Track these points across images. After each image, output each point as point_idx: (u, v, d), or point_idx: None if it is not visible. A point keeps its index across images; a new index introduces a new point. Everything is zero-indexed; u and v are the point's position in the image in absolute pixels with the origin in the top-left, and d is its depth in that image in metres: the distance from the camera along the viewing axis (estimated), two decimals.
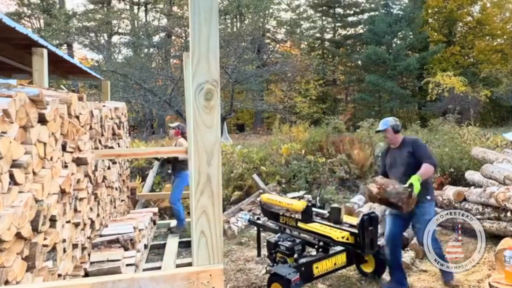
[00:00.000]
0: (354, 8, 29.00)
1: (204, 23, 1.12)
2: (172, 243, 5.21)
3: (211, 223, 1.16)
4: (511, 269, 3.50)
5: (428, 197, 3.79)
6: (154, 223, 5.84)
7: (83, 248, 3.50)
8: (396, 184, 3.62)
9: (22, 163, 2.28)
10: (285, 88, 22.63)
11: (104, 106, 4.66)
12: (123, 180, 5.92)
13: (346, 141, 9.87)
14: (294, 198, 4.31)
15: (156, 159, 6.66)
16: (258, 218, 4.91)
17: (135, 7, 26.89)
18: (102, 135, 4.61)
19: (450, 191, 5.82)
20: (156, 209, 6.24)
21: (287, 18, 26.06)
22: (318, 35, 28.42)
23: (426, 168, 3.67)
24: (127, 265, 3.65)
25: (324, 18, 28.80)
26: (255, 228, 4.95)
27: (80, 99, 3.59)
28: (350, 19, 29.10)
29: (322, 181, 8.18)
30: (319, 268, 3.69)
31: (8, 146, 2.13)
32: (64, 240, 2.91)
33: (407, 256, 4.46)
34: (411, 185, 3.50)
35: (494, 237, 4.91)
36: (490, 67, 22.64)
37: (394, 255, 3.88)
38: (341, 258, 3.87)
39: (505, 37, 26.21)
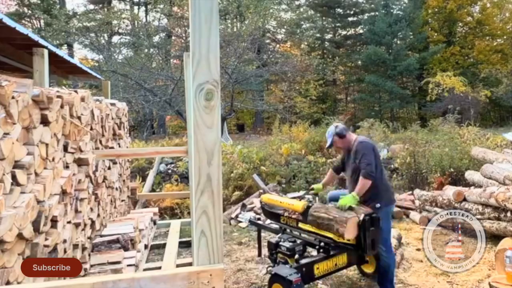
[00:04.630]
0: (354, 8, 29.01)
1: (205, 23, 1.12)
2: (172, 243, 5.21)
3: (211, 223, 1.16)
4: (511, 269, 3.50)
5: (377, 205, 3.56)
6: (154, 223, 5.84)
7: (83, 249, 3.51)
8: (332, 211, 3.49)
9: (24, 164, 2.28)
10: (285, 88, 22.63)
11: (100, 102, 4.65)
12: (124, 180, 5.92)
13: None
14: (294, 198, 4.31)
15: None
16: (259, 219, 4.91)
17: (135, 7, 26.91)
18: (103, 135, 4.61)
19: (450, 191, 5.82)
20: (156, 209, 6.25)
21: (287, 18, 26.05)
22: (318, 35, 28.42)
23: (361, 183, 3.52)
24: (127, 265, 3.66)
25: (324, 18, 28.79)
26: (256, 228, 4.96)
27: (82, 99, 3.59)
28: (350, 19, 29.11)
29: (322, 181, 8.19)
30: (320, 268, 3.68)
31: (10, 147, 2.13)
32: (65, 241, 2.91)
33: None
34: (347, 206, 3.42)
35: (494, 237, 4.91)
36: (490, 67, 22.63)
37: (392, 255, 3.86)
38: (342, 259, 3.86)
39: (505, 37, 26.21)
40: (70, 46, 23.69)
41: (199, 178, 1.15)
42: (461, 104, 17.07)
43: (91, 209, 3.82)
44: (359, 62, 26.84)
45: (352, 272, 4.33)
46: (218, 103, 1.15)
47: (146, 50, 19.58)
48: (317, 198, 4.36)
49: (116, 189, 5.19)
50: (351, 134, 3.90)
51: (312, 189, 4.22)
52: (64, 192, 2.92)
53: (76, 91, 3.54)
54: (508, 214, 4.84)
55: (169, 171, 9.13)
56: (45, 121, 2.63)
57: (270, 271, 3.68)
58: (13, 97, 2.20)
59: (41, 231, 2.42)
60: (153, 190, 8.16)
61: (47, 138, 2.64)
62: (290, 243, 3.90)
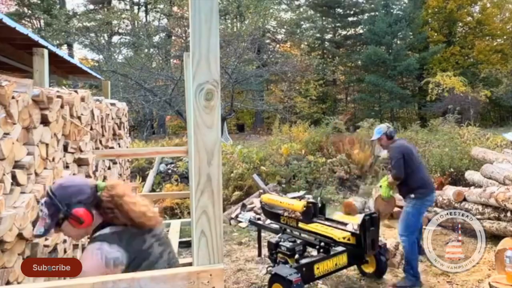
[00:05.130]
0: (354, 8, 29.01)
1: (205, 23, 1.12)
2: (172, 243, 5.21)
3: (211, 223, 1.16)
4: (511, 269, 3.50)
5: (412, 195, 4.05)
6: None
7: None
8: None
9: (24, 164, 2.28)
10: (285, 88, 22.62)
11: (100, 102, 4.64)
12: (124, 180, 5.92)
13: (346, 141, 9.88)
14: (294, 198, 4.32)
15: None
16: (259, 219, 4.91)
17: (135, 7, 26.91)
18: (103, 135, 4.61)
19: (450, 191, 5.82)
20: (156, 209, 6.24)
21: (287, 18, 26.06)
22: (318, 35, 28.43)
23: (391, 181, 4.19)
24: None
25: (324, 18, 28.80)
26: (256, 228, 4.95)
27: (82, 99, 3.59)
28: (350, 19, 29.11)
29: (322, 181, 8.19)
30: (320, 268, 3.69)
31: (10, 147, 2.13)
32: (65, 241, 2.91)
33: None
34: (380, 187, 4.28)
35: (494, 237, 4.91)
36: (490, 67, 22.63)
37: (414, 248, 4.02)
38: (342, 259, 3.87)
39: (505, 37, 26.22)
40: (70, 46, 23.70)
41: (199, 178, 1.14)
42: (461, 104, 17.07)
43: None
44: (359, 62, 26.84)
45: (352, 272, 4.33)
46: (218, 103, 1.15)
47: (146, 50, 19.58)
48: (318, 198, 4.37)
49: None
50: (396, 139, 4.38)
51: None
52: None
53: (76, 91, 3.54)
54: (508, 214, 4.84)
55: (169, 171, 9.12)
56: (45, 121, 2.63)
57: (270, 271, 3.69)
58: (13, 97, 2.20)
59: None
60: (153, 190, 8.16)
61: (47, 138, 2.64)
62: (290, 243, 3.90)
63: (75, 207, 1.61)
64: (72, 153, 3.27)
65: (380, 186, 4.28)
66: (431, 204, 4.46)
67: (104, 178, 4.49)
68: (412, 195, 4.01)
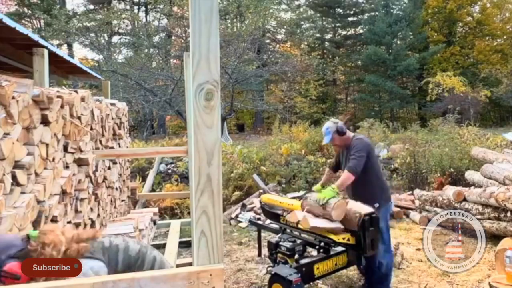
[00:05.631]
0: (354, 8, 29.02)
1: (205, 23, 1.12)
2: (172, 243, 5.21)
3: (211, 223, 1.16)
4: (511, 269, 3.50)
5: (376, 205, 3.56)
6: (154, 223, 5.84)
7: None
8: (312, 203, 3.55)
9: (24, 164, 2.28)
10: (285, 88, 22.63)
11: (100, 102, 4.65)
12: (124, 180, 5.92)
13: None
14: (294, 198, 4.31)
15: None
16: (259, 219, 4.90)
17: (135, 7, 26.91)
18: (103, 135, 4.61)
19: (450, 191, 5.82)
20: (156, 209, 6.25)
21: (287, 18, 26.06)
22: (318, 35, 28.44)
23: (343, 177, 3.56)
24: None
25: (324, 18, 28.80)
26: (256, 228, 4.95)
27: (82, 99, 3.60)
28: (350, 19, 29.12)
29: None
30: (320, 268, 3.69)
31: (11, 147, 2.13)
32: None
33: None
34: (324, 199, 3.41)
35: (494, 237, 4.91)
36: (490, 67, 22.65)
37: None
38: (342, 259, 3.86)
39: (505, 37, 26.23)
40: (70, 46, 23.70)
41: (199, 178, 1.15)
42: (461, 104, 17.07)
43: (91, 209, 3.82)
44: (359, 62, 26.86)
45: (352, 272, 4.33)
46: (218, 103, 1.15)
47: (146, 50, 19.58)
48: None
49: (116, 189, 5.19)
50: (349, 132, 3.87)
51: (313, 191, 4.19)
52: (64, 192, 2.92)
53: (76, 91, 3.54)
54: (508, 214, 4.84)
55: (169, 171, 9.13)
56: (45, 121, 2.63)
57: (270, 271, 3.68)
58: (13, 97, 2.20)
59: None
60: (153, 190, 8.16)
61: (47, 138, 2.65)
62: (290, 243, 3.90)
63: (7, 262, 1.48)
64: (72, 153, 3.27)
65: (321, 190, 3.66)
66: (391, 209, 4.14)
67: (105, 178, 4.49)
68: (377, 204, 3.57)
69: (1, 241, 1.57)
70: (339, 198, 3.45)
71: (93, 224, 3.89)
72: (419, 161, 8.08)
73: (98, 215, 4.09)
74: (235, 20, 20.47)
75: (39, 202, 2.40)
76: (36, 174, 2.48)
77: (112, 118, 5.16)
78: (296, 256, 3.77)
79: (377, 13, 25.99)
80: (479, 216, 5.02)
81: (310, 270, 3.61)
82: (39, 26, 23.28)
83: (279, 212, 4.24)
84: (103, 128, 4.63)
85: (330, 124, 3.82)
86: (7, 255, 1.49)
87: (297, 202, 4.00)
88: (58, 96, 2.93)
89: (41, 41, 4.31)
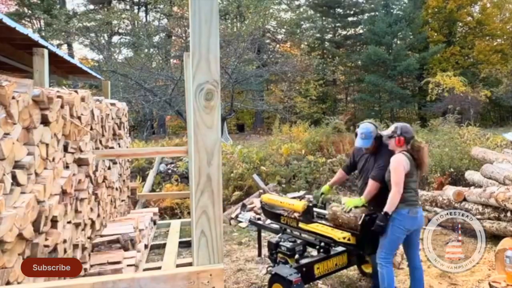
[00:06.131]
0: (354, 8, 29.01)
1: (205, 23, 1.12)
2: (172, 243, 5.21)
3: (211, 223, 1.17)
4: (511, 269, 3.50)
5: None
6: (154, 223, 5.84)
7: (83, 249, 3.51)
8: (342, 214, 3.51)
9: (24, 164, 2.28)
10: (285, 88, 22.63)
11: (100, 102, 4.65)
12: (124, 180, 5.92)
13: (346, 141, 9.88)
14: (294, 198, 4.31)
15: None
16: (259, 219, 4.90)
17: (135, 7, 26.91)
18: (103, 135, 4.61)
19: (450, 191, 5.82)
20: (156, 209, 6.25)
21: (287, 18, 26.05)
22: (318, 35, 28.42)
23: (369, 187, 3.49)
24: (127, 265, 3.66)
25: (324, 18, 28.79)
26: (256, 228, 4.95)
27: (82, 99, 3.59)
28: (350, 19, 29.11)
29: (322, 181, 8.19)
30: (320, 268, 3.69)
31: (11, 147, 2.13)
32: (65, 241, 2.91)
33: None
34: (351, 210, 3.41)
35: (494, 237, 4.91)
36: (490, 67, 22.65)
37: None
38: (342, 259, 3.87)
39: (505, 37, 26.23)
40: (70, 46, 23.69)
41: (199, 178, 1.15)
42: (461, 104, 17.07)
43: (91, 209, 3.82)
44: (359, 62, 26.84)
45: (352, 272, 4.33)
46: (218, 103, 1.15)
47: (146, 50, 19.57)
48: (320, 198, 4.33)
49: (116, 189, 5.19)
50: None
51: (322, 193, 4.05)
52: (64, 192, 2.92)
53: (76, 91, 3.54)
54: (508, 214, 4.85)
55: (169, 171, 9.12)
56: (45, 121, 2.63)
57: (270, 271, 3.69)
58: (13, 97, 2.20)
59: (41, 231, 2.42)
60: (153, 190, 8.16)
61: (47, 138, 2.65)
62: (290, 243, 3.90)
63: None
64: (72, 153, 3.27)
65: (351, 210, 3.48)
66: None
67: (105, 178, 4.49)
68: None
69: None
70: (361, 208, 3.46)
71: (93, 224, 3.89)
72: None
73: (98, 215, 4.09)
74: (235, 20, 20.46)
75: (39, 202, 2.40)
76: (36, 174, 2.48)
77: (112, 118, 5.16)
78: (296, 256, 3.77)
79: (377, 13, 25.99)
80: (479, 216, 5.02)
81: (310, 270, 3.61)
82: (39, 26, 23.28)
83: (280, 212, 4.24)
84: (103, 128, 4.63)
85: (373, 128, 3.61)
86: None
87: (298, 202, 4.00)
88: (58, 96, 2.93)
89: (41, 41, 4.31)
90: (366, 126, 3.67)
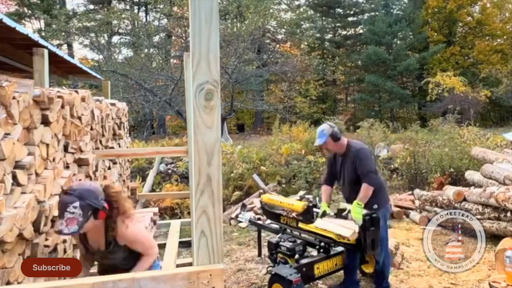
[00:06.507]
0: (354, 9, 29.04)
1: (205, 23, 1.12)
2: (172, 243, 5.21)
3: (211, 223, 1.17)
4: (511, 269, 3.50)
5: (375, 206, 3.60)
6: (154, 223, 5.83)
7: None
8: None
9: (25, 164, 2.28)
10: (285, 88, 22.63)
11: (101, 102, 4.64)
12: (124, 180, 5.92)
13: None
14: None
15: None
16: (259, 219, 4.90)
17: (135, 7, 26.92)
18: (103, 135, 4.61)
19: (450, 191, 5.82)
20: (156, 209, 6.24)
21: (287, 18, 26.06)
22: (318, 35, 28.44)
23: (364, 191, 3.52)
24: None
25: (324, 18, 28.82)
26: (256, 228, 4.95)
27: (83, 99, 3.59)
28: (350, 19, 29.14)
29: (322, 181, 8.19)
30: (320, 268, 3.69)
31: (11, 147, 2.13)
32: (65, 241, 2.91)
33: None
34: (349, 212, 3.44)
35: (494, 237, 4.91)
36: (490, 67, 22.66)
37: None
38: (342, 259, 3.87)
39: (505, 37, 26.24)
40: (70, 46, 23.70)
41: (199, 178, 1.15)
42: (461, 104, 17.07)
43: None
44: (359, 62, 26.87)
45: None
46: (218, 103, 1.15)
47: (146, 50, 19.58)
48: (318, 198, 4.33)
49: None
50: (343, 138, 3.79)
51: (324, 212, 3.79)
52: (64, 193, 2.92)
53: (76, 91, 3.54)
54: (508, 214, 4.85)
55: (169, 171, 9.12)
56: (45, 121, 2.63)
57: (270, 271, 3.68)
58: (14, 98, 2.20)
59: (41, 232, 2.42)
60: (153, 190, 8.16)
61: (48, 138, 2.64)
62: (290, 243, 3.90)
63: (102, 202, 2.20)
64: (73, 153, 3.27)
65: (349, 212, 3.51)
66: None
67: (105, 178, 4.49)
68: (376, 205, 3.60)
69: (96, 187, 2.25)
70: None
71: None
72: (419, 161, 8.08)
73: None
74: (235, 20, 20.46)
75: (39, 202, 2.40)
76: (37, 174, 2.48)
77: (112, 118, 5.16)
78: (296, 256, 3.77)
79: (377, 13, 26.01)
80: (479, 216, 5.02)
81: (310, 270, 3.61)
82: (39, 26, 23.30)
83: (280, 212, 4.24)
84: (103, 128, 4.63)
85: (326, 126, 3.73)
86: (101, 197, 2.21)
87: (298, 202, 4.00)
88: (59, 96, 2.93)
89: (41, 41, 4.31)
90: (321, 126, 3.85)
